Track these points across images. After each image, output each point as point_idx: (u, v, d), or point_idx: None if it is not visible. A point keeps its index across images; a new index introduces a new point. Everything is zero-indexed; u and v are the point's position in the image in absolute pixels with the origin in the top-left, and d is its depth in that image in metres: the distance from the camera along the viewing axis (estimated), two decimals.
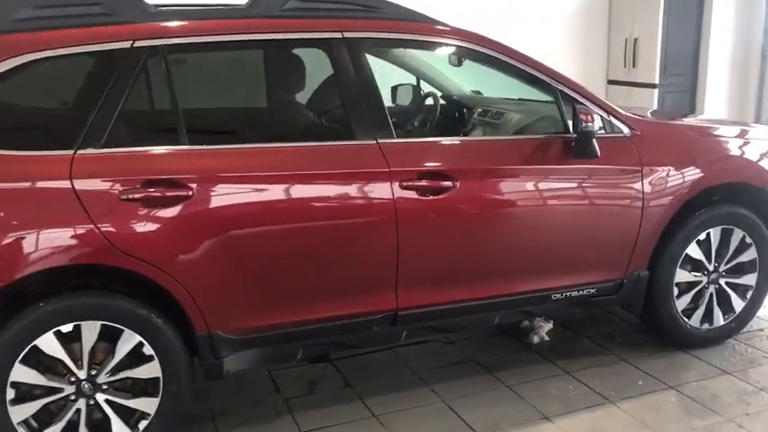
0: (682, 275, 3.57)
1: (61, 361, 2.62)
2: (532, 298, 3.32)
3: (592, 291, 3.41)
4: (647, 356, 3.66)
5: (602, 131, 3.35)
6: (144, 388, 2.78)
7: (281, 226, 2.83)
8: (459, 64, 3.70)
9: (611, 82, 7.24)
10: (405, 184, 2.95)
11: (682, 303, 3.61)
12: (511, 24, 6.75)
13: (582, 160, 3.23)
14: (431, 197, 3.00)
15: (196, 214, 2.69)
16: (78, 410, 2.67)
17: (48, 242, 2.51)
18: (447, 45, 3.22)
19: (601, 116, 3.36)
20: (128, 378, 2.75)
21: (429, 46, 3.27)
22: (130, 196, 2.61)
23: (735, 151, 3.65)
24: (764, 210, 3.69)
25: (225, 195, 2.73)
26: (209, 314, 2.77)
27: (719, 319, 3.71)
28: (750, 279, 3.73)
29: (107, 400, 2.72)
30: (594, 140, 3.19)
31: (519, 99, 3.98)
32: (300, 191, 2.84)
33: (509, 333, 3.97)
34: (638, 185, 3.34)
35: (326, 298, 2.97)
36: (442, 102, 4.15)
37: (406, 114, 4.31)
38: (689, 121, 4.14)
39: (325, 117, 3.24)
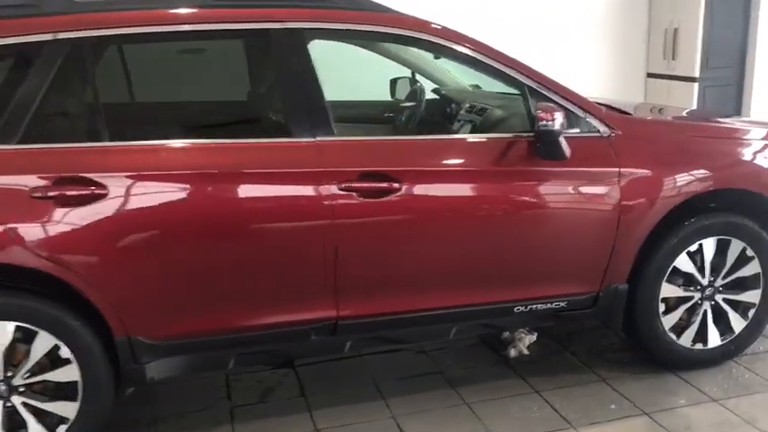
0: (669, 290, 3.23)
1: None
2: (491, 310, 3.07)
3: (561, 304, 3.13)
4: (629, 377, 3.34)
5: (576, 131, 3.06)
6: (62, 392, 2.69)
7: (203, 228, 2.67)
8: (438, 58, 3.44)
9: (650, 75, 6.79)
10: (343, 185, 2.75)
11: (670, 320, 3.27)
12: (544, 14, 6.44)
13: (548, 162, 2.95)
14: (372, 200, 2.79)
15: (111, 214, 2.57)
16: None
17: None
18: (397, 36, 2.97)
19: (575, 114, 3.06)
20: (45, 381, 2.66)
21: (379, 37, 3.03)
22: (42, 194, 2.51)
23: (737, 155, 3.27)
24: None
25: (143, 195, 2.60)
26: (126, 318, 2.65)
27: (715, 340, 3.35)
28: (752, 296, 3.35)
29: (24, 403, 2.64)
30: (561, 141, 2.91)
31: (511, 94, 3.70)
32: (226, 191, 2.68)
33: (489, 344, 3.71)
34: (614, 191, 3.03)
35: (257, 305, 2.81)
36: (431, 96, 3.92)
37: (394, 110, 4.11)
38: (695, 120, 3.75)
39: (260, 112, 3.07)
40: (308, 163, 2.74)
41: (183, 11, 2.75)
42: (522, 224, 2.99)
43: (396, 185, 2.81)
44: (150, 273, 2.63)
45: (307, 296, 2.84)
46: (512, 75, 3.02)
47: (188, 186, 2.65)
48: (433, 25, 2.98)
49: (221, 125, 2.91)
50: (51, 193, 2.52)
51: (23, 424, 2.65)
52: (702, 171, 3.15)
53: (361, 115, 4.26)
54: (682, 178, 3.11)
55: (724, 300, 3.34)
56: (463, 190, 2.91)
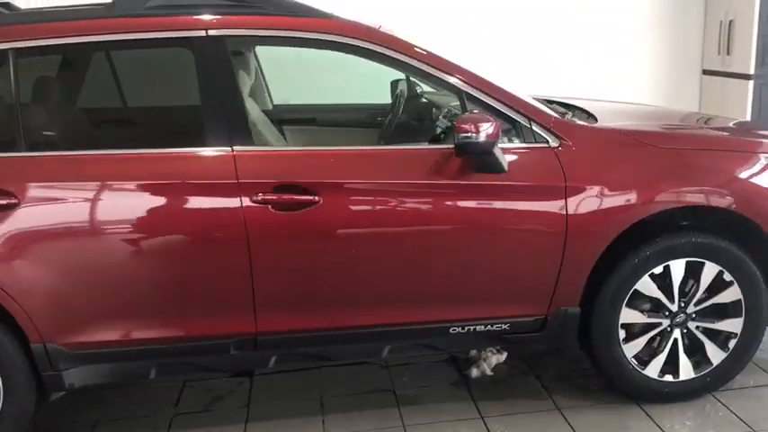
0: (630, 315, 2.95)
1: None
2: (424, 330, 2.91)
3: (504, 326, 2.92)
4: (589, 407, 3.09)
5: (519, 141, 2.84)
6: None
7: (115, 238, 2.67)
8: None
9: (706, 72, 6.27)
10: (257, 197, 2.68)
11: (632, 348, 2.99)
12: (594, 11, 6.09)
13: (485, 176, 2.75)
14: (287, 213, 2.70)
15: (22, 223, 2.61)
16: None
17: None
18: (323, 41, 2.84)
19: (519, 123, 2.85)
20: None
21: (303, 43, 2.91)
22: None
23: (712, 169, 2.93)
24: (754, 242, 2.96)
25: (53, 204, 2.62)
26: (41, 326, 2.69)
27: (688, 372, 3.04)
28: (732, 325, 3.01)
29: None
30: (497, 152, 2.71)
31: None
32: (139, 201, 2.67)
33: (455, 362, 3.53)
34: (559, 206, 2.79)
35: (174, 316, 2.78)
36: (413, 101, 3.76)
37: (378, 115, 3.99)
38: (675, 129, 3.35)
39: (178, 121, 3.02)
40: (222, 174, 2.68)
41: (105, 21, 2.75)
42: (454, 241, 2.81)
43: (313, 199, 2.70)
44: (62, 282, 2.66)
45: (224, 310, 2.78)
46: (446, 80, 2.84)
47: (99, 196, 2.65)
48: (363, 28, 2.84)
49: (138, 134, 2.90)
50: None
51: None
52: (665, 186, 2.85)
53: (349, 120, 4.17)
54: (640, 194, 2.82)
55: (698, 328, 3.01)
56: (389, 204, 2.76)
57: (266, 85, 4.14)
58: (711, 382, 3.07)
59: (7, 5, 2.87)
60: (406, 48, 2.85)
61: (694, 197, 2.86)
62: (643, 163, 2.88)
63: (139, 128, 3.00)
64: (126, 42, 2.79)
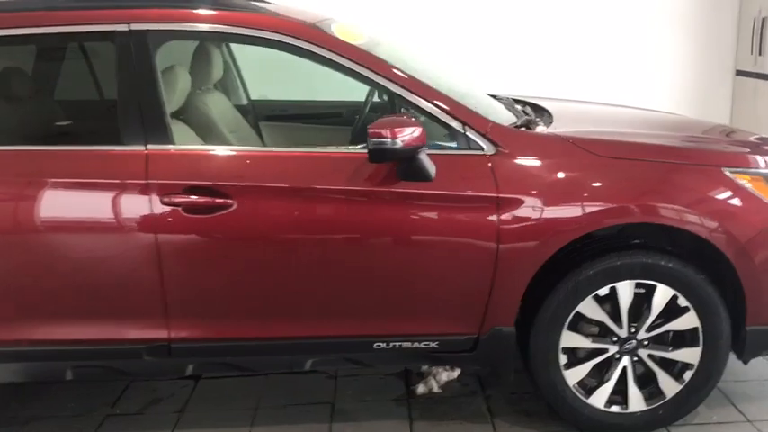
0: (573, 339, 2.72)
1: None
2: (347, 344, 2.75)
3: (432, 344, 2.73)
4: None
5: (453, 147, 2.65)
6: None
7: (27, 236, 2.61)
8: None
9: (739, 73, 5.84)
10: (166, 199, 2.57)
11: (575, 375, 2.76)
12: (618, 5, 5.76)
13: (409, 183, 2.57)
14: (198, 216, 2.58)
15: None
16: None
17: None
18: (247, 36, 2.70)
19: (452, 127, 2.65)
20: None
21: (225, 38, 2.78)
22: None
23: (657, 182, 2.66)
24: (712, 264, 2.68)
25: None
26: None
27: (639, 403, 2.78)
28: (689, 355, 2.74)
29: None
30: (422, 159, 2.52)
31: None
32: (51, 200, 2.60)
33: (406, 375, 3.36)
34: (490, 219, 2.58)
35: (85, 319, 2.70)
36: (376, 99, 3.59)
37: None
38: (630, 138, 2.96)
39: (98, 118, 2.93)
40: (133, 174, 2.59)
41: (26, 13, 2.69)
42: (375, 251, 2.64)
43: (226, 202, 2.57)
44: None
45: (134, 315, 2.69)
46: (377, 81, 2.66)
47: (9, 194, 2.59)
48: (292, 24, 2.69)
49: (58, 131, 2.83)
50: None
51: None
52: (609, 200, 2.60)
53: (326, 117, 4.05)
54: (579, 208, 2.59)
55: (651, 356, 2.75)
56: (308, 211, 2.61)
57: (241, 81, 4.03)
58: (665, 416, 2.81)
59: None
60: (337, 46, 2.69)
61: (643, 212, 2.60)
62: (581, 173, 2.64)
63: (59, 124, 2.93)
64: (49, 36, 2.72)
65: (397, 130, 2.44)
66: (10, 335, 2.69)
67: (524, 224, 2.59)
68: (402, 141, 2.43)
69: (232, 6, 2.73)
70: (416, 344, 2.73)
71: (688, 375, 2.76)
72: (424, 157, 2.54)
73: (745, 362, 2.88)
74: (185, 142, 2.79)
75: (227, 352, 2.76)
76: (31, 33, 2.71)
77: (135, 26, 2.66)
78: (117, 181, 2.59)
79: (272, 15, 2.74)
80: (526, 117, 3.07)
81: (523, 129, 2.81)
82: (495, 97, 3.44)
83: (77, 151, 2.66)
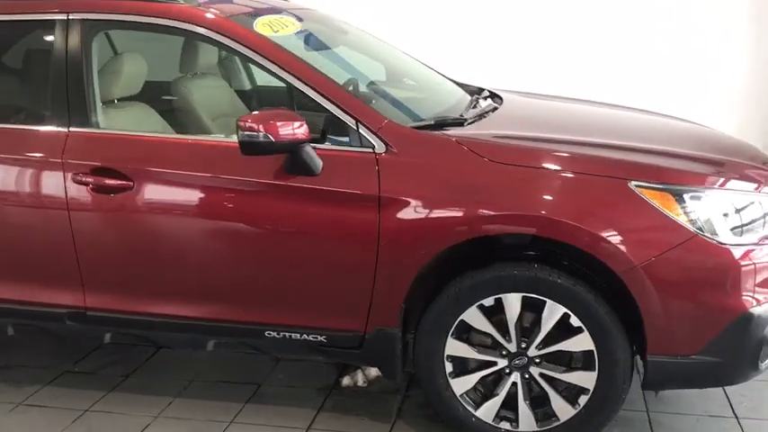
0: (458, 348, 2.63)
1: None
2: (241, 329, 2.82)
3: (320, 338, 2.74)
4: None
5: (347, 143, 2.64)
6: None
7: None
8: None
9: None
10: (77, 178, 2.78)
11: (462, 385, 2.67)
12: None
13: (294, 177, 2.60)
14: (103, 195, 2.76)
15: None
16: None
17: None
18: (161, 26, 2.82)
19: (345, 123, 2.63)
20: None
21: (147, 28, 2.89)
22: None
23: (555, 193, 2.49)
24: (607, 284, 2.48)
25: None
26: None
27: (530, 423, 2.64)
28: (583, 379, 2.56)
29: None
30: (306, 154, 2.55)
31: None
32: None
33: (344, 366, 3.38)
34: (372, 218, 2.55)
35: (19, 281, 2.98)
36: None
37: None
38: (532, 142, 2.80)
39: (30, 100, 3.14)
40: (53, 152, 2.81)
41: None
42: (260, 242, 2.69)
43: (128, 184, 2.73)
44: None
45: (57, 281, 2.93)
46: (277, 72, 2.70)
47: None
48: (198, 14, 2.78)
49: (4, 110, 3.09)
50: None
51: None
52: (490, 207, 2.48)
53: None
54: (460, 214, 2.49)
55: (543, 376, 2.60)
56: (199, 197, 2.72)
57: (245, 67, 4.16)
58: None
59: None
60: (246, 38, 2.75)
61: (511, 223, 2.47)
62: (466, 178, 2.52)
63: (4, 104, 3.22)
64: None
65: (272, 123, 2.46)
66: None
67: (404, 226, 2.53)
68: (275, 135, 2.46)
69: None
70: (305, 336, 2.75)
71: (583, 400, 2.57)
72: (308, 151, 2.55)
73: (656, 392, 2.64)
74: (141, 126, 2.97)
75: (137, 325, 2.93)
76: None
77: (78, 15, 2.86)
78: (41, 157, 2.82)
79: (189, 6, 2.83)
80: (456, 115, 2.96)
81: (424, 128, 2.71)
82: (480, 91, 3.43)
83: (10, 129, 2.92)
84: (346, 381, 3.24)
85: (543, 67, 5.43)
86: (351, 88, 3.22)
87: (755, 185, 2.61)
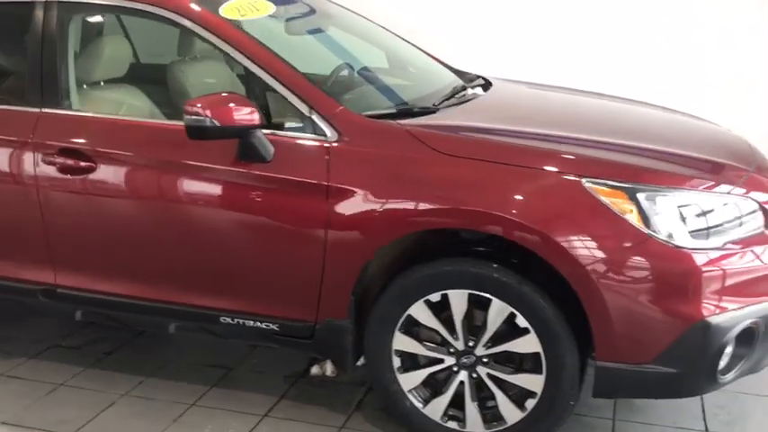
0: (405, 343, 2.57)
1: None
2: (198, 314, 2.83)
3: (273, 326, 2.73)
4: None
5: (302, 130, 2.60)
6: None
7: None
8: None
9: None
10: (45, 158, 2.84)
11: (410, 380, 2.61)
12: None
13: (246, 163, 2.59)
14: (69, 176, 2.82)
15: None
16: None
17: None
18: (134, 10, 2.85)
19: (299, 111, 2.60)
20: None
21: (117, 10, 2.94)
22: None
23: (501, 187, 2.39)
24: (554, 284, 2.37)
25: None
26: None
27: (477, 425, 2.56)
28: (530, 381, 2.46)
29: None
30: (257, 140, 2.54)
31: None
32: None
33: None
34: (319, 207, 2.51)
35: None
36: None
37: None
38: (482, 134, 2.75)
39: (15, 80, 3.19)
40: (23, 132, 2.88)
41: None
42: (211, 226, 2.69)
43: (90, 165, 2.78)
44: None
45: (28, 257, 3.01)
46: (234, 56, 2.69)
47: None
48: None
49: None
50: None
51: None
52: (435, 200, 2.40)
53: None
54: (405, 206, 2.43)
55: (490, 376, 2.52)
56: (154, 180, 2.74)
57: None
58: None
59: None
60: (207, 22, 2.75)
61: (455, 217, 2.39)
62: (415, 169, 2.45)
63: None
64: None
65: (219, 108, 2.45)
66: None
67: (351, 216, 2.49)
68: (222, 120, 2.44)
69: None
70: (258, 324, 2.74)
71: (531, 404, 2.48)
72: (258, 137, 2.53)
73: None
74: (122, 108, 3.02)
75: (104, 305, 2.98)
76: None
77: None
78: (12, 138, 2.90)
79: None
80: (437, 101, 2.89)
81: (386, 117, 2.65)
82: (475, 78, 3.40)
83: None
84: (314, 370, 3.22)
85: (565, 61, 5.24)
86: (344, 72, 3.22)
87: (727, 187, 2.44)
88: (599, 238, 2.29)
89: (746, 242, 2.40)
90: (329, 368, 3.21)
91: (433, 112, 2.81)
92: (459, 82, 3.34)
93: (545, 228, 2.29)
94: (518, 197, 2.35)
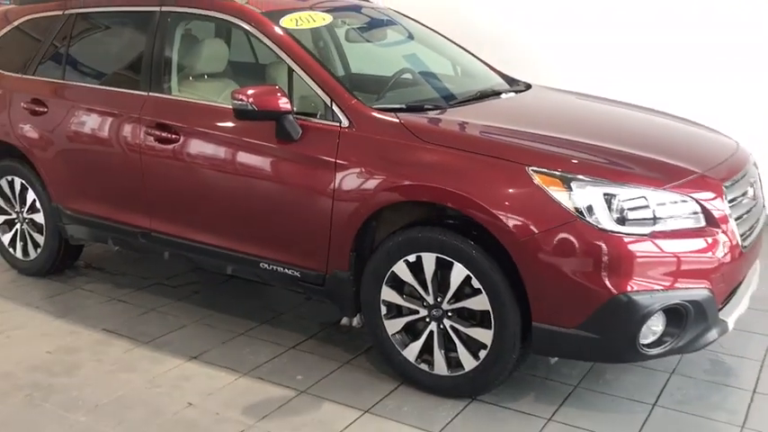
0: (390, 294, 3.15)
1: None
2: (245, 259, 3.56)
3: (296, 273, 3.41)
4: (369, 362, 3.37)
5: (324, 117, 3.27)
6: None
7: (80, 146, 4.04)
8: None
9: None
10: (147, 129, 3.73)
11: (392, 326, 3.18)
12: None
13: (281, 141, 3.29)
14: (162, 145, 3.68)
15: (51, 124, 4.14)
16: None
17: None
18: (219, 19, 3.69)
19: (323, 101, 3.27)
20: None
21: (210, 20, 3.76)
22: (26, 105, 4.26)
23: (463, 170, 2.90)
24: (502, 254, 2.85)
25: (66, 115, 4.07)
26: (54, 192, 4.22)
27: (442, 369, 3.08)
28: (482, 335, 2.95)
29: None
30: (287, 123, 3.23)
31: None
32: (92, 121, 3.97)
33: None
34: (329, 179, 3.16)
35: (111, 204, 4.02)
36: None
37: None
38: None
39: (131, 70, 4.07)
40: (135, 109, 3.79)
41: None
42: (259, 190, 3.40)
43: (176, 136, 3.62)
44: (62, 165, 4.13)
45: (134, 207, 3.91)
46: (281, 56, 3.40)
47: (84, 116, 4.01)
48: (248, 9, 3.58)
49: (119, 77, 4.11)
50: (25, 105, 4.23)
51: None
52: (410, 178, 2.97)
53: None
54: (388, 182, 3.01)
55: (452, 328, 3.04)
56: (218, 151, 3.51)
57: (338, 54, 4.86)
58: (463, 387, 3.05)
59: None
60: (266, 29, 3.49)
61: (424, 193, 2.95)
62: (400, 153, 3.03)
63: (117, 72, 4.22)
64: (102, 14, 4.09)
65: (256, 95, 3.16)
66: (78, 207, 4.15)
67: (351, 186, 3.11)
68: (258, 105, 3.16)
69: None
70: (286, 270, 3.43)
71: (482, 354, 2.96)
72: (288, 121, 3.22)
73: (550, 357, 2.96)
74: (215, 96, 3.78)
75: (183, 247, 3.81)
76: (107, 11, 4.07)
77: (166, 8, 3.81)
78: (129, 114, 3.81)
79: (232, 3, 3.62)
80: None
81: (398, 111, 3.23)
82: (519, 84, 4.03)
83: (114, 91, 3.95)
84: (344, 320, 3.83)
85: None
86: (406, 75, 3.88)
87: (659, 184, 2.79)
88: (535, 217, 2.74)
89: (677, 234, 2.75)
90: (356, 320, 3.81)
91: (442, 108, 3.36)
92: (498, 86, 3.88)
93: (490, 204, 2.78)
94: (472, 179, 2.86)
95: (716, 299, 2.82)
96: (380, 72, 4.21)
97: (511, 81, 4.16)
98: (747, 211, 3.06)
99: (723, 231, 2.83)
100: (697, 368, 3.34)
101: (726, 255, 2.84)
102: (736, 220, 2.93)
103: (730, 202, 2.93)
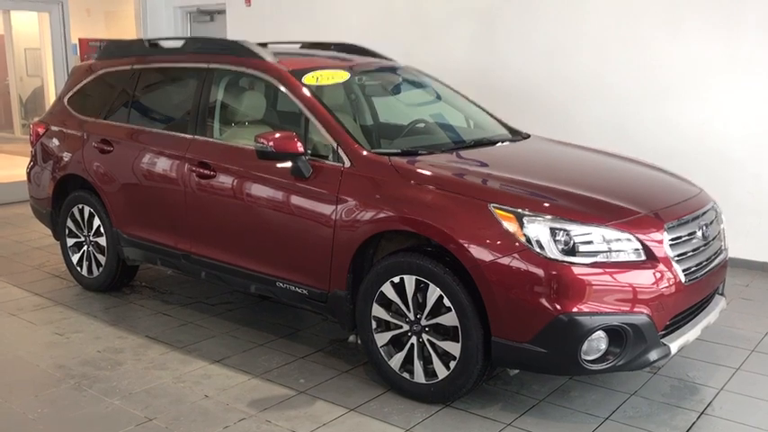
0: (378, 311, 3.66)
1: None
2: (265, 279, 4.15)
3: (305, 291, 3.97)
4: (361, 374, 3.88)
5: (330, 159, 3.86)
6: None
7: (137, 180, 4.76)
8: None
9: None
10: (190, 167, 4.41)
11: (381, 339, 3.68)
12: None
13: (295, 178, 3.90)
14: (202, 180, 4.35)
15: (116, 160, 4.90)
16: None
17: None
18: (250, 75, 4.36)
19: (331, 146, 3.86)
20: None
21: (246, 76, 4.44)
22: (96, 143, 5.04)
23: (435, 205, 3.43)
24: (469, 277, 3.33)
25: (136, 154, 4.80)
26: (114, 217, 4.96)
27: (421, 377, 3.56)
28: (453, 347, 3.43)
29: None
30: (300, 163, 3.84)
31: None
32: (147, 159, 4.70)
33: None
34: (331, 210, 3.74)
35: (160, 229, 4.71)
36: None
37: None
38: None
39: (180, 116, 4.77)
40: (182, 150, 4.50)
41: (178, 56, 4.81)
42: (276, 218, 4.00)
43: (212, 173, 4.29)
44: (124, 196, 4.86)
45: (178, 232, 4.58)
46: (298, 105, 4.03)
47: (148, 153, 4.74)
48: (277, 67, 4.23)
49: (175, 123, 4.83)
50: (95, 145, 5.01)
51: None
52: (395, 210, 3.51)
53: None
54: (378, 213, 3.56)
55: (429, 341, 3.52)
56: (243, 185, 4.15)
57: (368, 105, 5.47)
58: (437, 394, 3.51)
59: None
60: (288, 83, 4.14)
61: (404, 223, 3.48)
62: (389, 190, 3.57)
63: (170, 117, 4.96)
64: (162, 69, 4.84)
65: (274, 139, 3.78)
66: (133, 231, 4.85)
67: (348, 217, 3.67)
68: (276, 147, 3.78)
69: (248, 53, 4.38)
70: (296, 289, 4.00)
71: (452, 365, 3.43)
72: (301, 161, 3.83)
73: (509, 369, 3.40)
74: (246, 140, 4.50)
75: (215, 268, 4.44)
76: (166, 67, 4.84)
77: (212, 65, 4.53)
78: (177, 153, 4.52)
79: (263, 61, 4.29)
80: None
81: (392, 155, 3.80)
82: (518, 135, 4.60)
83: (165, 133, 4.68)
84: (351, 338, 4.36)
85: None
86: (419, 125, 4.48)
87: (601, 221, 3.24)
88: (493, 246, 3.23)
89: (618, 265, 3.18)
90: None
91: (434, 153, 3.91)
92: (497, 137, 4.43)
93: (455, 234, 3.29)
94: (443, 212, 3.38)
95: (655, 324, 3.22)
96: (403, 122, 4.84)
97: (514, 132, 4.68)
98: (694, 250, 3.46)
99: (664, 265, 3.25)
100: (656, 391, 3.70)
101: (667, 287, 3.25)
102: (679, 256, 3.33)
103: (673, 240, 3.34)
